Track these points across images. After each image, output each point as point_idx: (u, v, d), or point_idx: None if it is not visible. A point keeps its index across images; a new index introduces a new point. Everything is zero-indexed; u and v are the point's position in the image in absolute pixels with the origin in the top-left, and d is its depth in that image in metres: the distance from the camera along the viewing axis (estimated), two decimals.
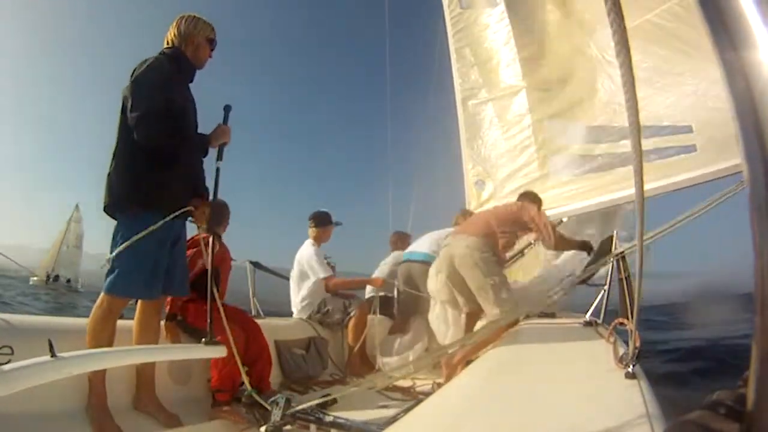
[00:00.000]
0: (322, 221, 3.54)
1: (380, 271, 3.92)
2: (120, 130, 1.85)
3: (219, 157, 1.93)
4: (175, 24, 1.99)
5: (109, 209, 1.85)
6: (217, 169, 1.91)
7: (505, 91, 3.94)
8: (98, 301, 1.76)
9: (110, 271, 1.76)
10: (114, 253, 1.76)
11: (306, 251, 3.45)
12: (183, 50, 1.97)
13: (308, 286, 3.39)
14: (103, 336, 1.70)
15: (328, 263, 3.64)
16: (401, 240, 4.18)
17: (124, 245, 1.73)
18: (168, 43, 1.98)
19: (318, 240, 3.53)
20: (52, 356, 0.98)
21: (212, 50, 2.07)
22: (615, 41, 0.52)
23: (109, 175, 1.85)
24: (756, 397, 0.30)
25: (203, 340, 1.64)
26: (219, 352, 1.59)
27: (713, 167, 2.30)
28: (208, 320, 1.70)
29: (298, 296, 3.46)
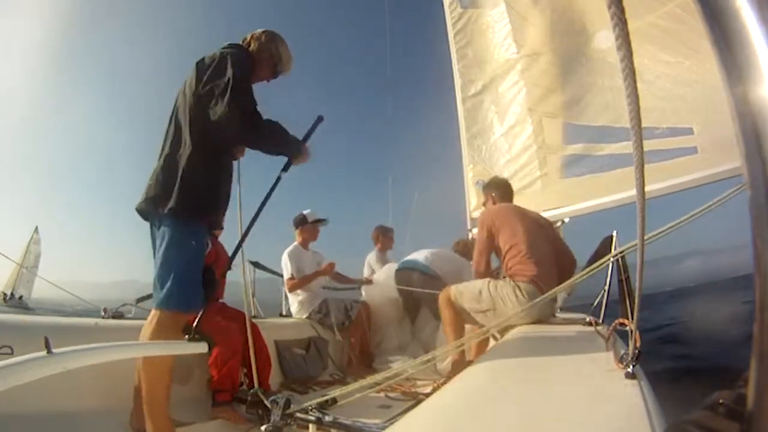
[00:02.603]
0: (296, 223, 3.64)
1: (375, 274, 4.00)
2: (176, 133, 1.75)
3: (285, 168, 1.92)
4: (263, 34, 1.94)
5: (155, 212, 1.72)
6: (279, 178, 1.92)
7: (506, 91, 3.94)
8: (153, 319, 1.66)
9: (164, 283, 1.64)
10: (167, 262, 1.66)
11: (284, 253, 3.52)
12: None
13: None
14: (167, 358, 1.63)
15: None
16: (384, 234, 4.23)
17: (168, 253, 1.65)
18: (245, 43, 1.92)
19: (302, 241, 3.59)
20: (48, 352, 0.98)
21: (271, 78, 2.01)
22: (617, 42, 0.52)
23: (156, 177, 1.72)
24: (756, 397, 0.30)
25: (186, 336, 1.57)
26: (200, 348, 1.54)
27: (714, 169, 2.30)
28: (196, 320, 1.65)
29: (292, 297, 3.49)
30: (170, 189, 1.68)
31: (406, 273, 3.61)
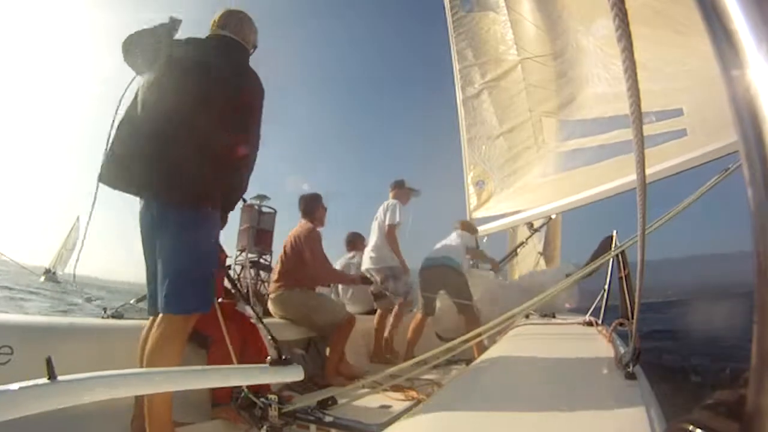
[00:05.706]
0: (393, 185, 3.68)
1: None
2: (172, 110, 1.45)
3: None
4: (237, 15, 1.73)
5: (166, 199, 1.47)
6: None
7: (506, 92, 3.95)
8: (161, 323, 1.45)
9: (176, 281, 1.42)
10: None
11: (394, 199, 3.52)
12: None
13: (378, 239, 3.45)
14: (171, 362, 1.38)
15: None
16: (358, 240, 4.19)
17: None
18: (224, 29, 1.68)
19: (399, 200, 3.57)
20: (49, 378, 0.68)
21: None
22: (617, 33, 0.51)
23: (146, 150, 1.45)
24: (756, 397, 0.30)
25: (268, 358, 1.21)
26: (296, 374, 1.16)
27: (703, 149, 2.24)
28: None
29: (371, 247, 3.50)
30: (174, 169, 1.45)
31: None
